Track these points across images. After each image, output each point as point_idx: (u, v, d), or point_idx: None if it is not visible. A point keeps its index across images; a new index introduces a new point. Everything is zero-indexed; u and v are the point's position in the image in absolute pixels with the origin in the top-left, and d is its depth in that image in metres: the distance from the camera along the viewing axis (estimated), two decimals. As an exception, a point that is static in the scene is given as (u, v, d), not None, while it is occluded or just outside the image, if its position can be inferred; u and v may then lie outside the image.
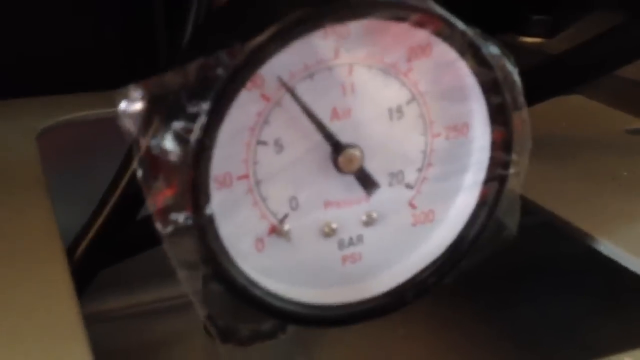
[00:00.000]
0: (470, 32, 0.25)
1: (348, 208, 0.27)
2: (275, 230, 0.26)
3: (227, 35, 0.24)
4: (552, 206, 0.38)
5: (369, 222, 0.28)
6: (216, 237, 0.25)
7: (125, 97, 0.23)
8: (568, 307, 0.46)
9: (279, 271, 0.27)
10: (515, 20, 0.60)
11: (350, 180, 0.27)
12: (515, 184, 0.28)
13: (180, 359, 0.47)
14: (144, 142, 0.23)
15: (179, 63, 0.23)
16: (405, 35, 0.25)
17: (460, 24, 0.25)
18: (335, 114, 0.25)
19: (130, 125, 0.23)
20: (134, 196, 0.38)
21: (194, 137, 0.23)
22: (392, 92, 0.26)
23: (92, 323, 0.28)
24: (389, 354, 0.46)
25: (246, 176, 0.25)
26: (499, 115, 0.27)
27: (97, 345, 0.27)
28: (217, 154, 0.24)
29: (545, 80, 0.43)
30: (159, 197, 0.24)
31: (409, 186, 0.28)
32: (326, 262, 0.27)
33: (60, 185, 0.45)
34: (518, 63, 0.27)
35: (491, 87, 0.26)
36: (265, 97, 0.24)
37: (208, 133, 0.23)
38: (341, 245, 0.27)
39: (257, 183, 0.25)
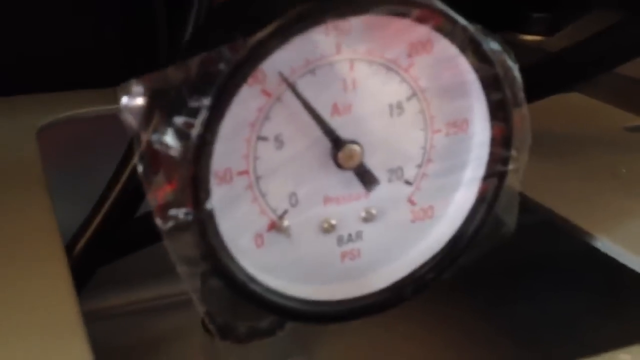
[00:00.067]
0: (471, 27, 0.25)
1: (347, 204, 0.27)
2: (275, 226, 0.26)
3: (229, 31, 0.24)
4: (551, 204, 0.38)
5: (368, 218, 0.28)
6: (216, 232, 0.25)
7: (127, 91, 0.23)
8: (567, 304, 0.46)
9: (279, 267, 0.27)
10: (515, 18, 0.60)
11: (350, 176, 0.27)
12: (514, 180, 0.28)
13: (179, 356, 0.47)
14: (145, 137, 0.23)
15: (181, 59, 0.23)
16: (406, 30, 0.25)
17: (461, 20, 0.25)
18: (335, 110, 0.25)
19: (131, 120, 0.23)
20: (134, 193, 0.38)
21: (195, 132, 0.23)
22: (393, 88, 0.26)
23: (91, 320, 0.28)
24: (387, 351, 0.46)
25: (246, 172, 0.25)
26: (498, 111, 0.27)
27: (96, 342, 0.27)
28: (217, 150, 0.24)
29: (543, 77, 0.43)
30: (159, 192, 0.24)
31: (408, 182, 0.28)
32: (325, 258, 0.27)
33: (59, 182, 0.45)
34: (518, 61, 0.27)
35: (491, 83, 0.26)
36: (266, 93, 0.24)
37: (209, 128, 0.23)
38: (340, 241, 0.28)
39: (257, 179, 0.25)
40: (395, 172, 0.27)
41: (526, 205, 0.32)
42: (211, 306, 0.27)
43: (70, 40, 0.54)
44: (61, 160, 0.48)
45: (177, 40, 0.35)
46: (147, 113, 0.23)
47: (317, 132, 0.25)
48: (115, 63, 0.56)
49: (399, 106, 0.26)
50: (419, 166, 0.28)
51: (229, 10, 0.27)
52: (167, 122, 0.23)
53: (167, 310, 0.51)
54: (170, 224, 0.24)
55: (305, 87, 0.25)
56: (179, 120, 0.23)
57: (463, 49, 0.26)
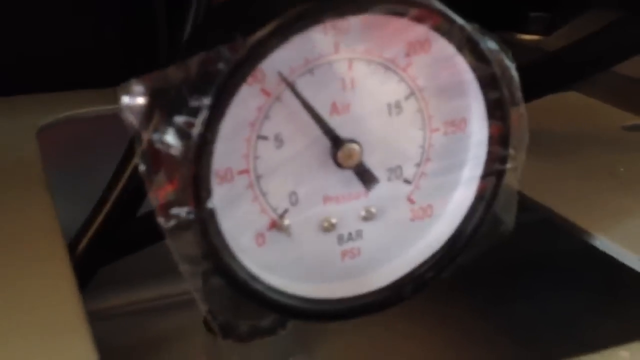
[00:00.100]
0: (468, 27, 0.25)
1: (347, 203, 0.27)
2: (276, 225, 0.26)
3: (228, 31, 0.24)
4: (550, 203, 0.39)
5: (368, 217, 0.28)
6: (217, 231, 0.25)
7: (128, 91, 0.23)
8: (566, 303, 0.47)
9: (280, 266, 0.27)
10: (513, 17, 0.60)
11: (350, 175, 0.27)
12: (512, 179, 0.29)
13: (180, 356, 0.47)
14: (145, 136, 0.23)
15: (180, 58, 0.23)
16: (404, 30, 0.25)
17: (458, 19, 0.25)
18: (334, 109, 0.26)
19: (132, 120, 0.23)
20: (134, 192, 0.38)
21: (195, 131, 0.23)
22: (391, 87, 0.26)
23: (93, 321, 0.28)
24: (387, 351, 0.46)
25: (247, 171, 0.25)
26: (496, 110, 0.27)
27: (97, 343, 0.27)
28: (218, 149, 0.24)
29: (540, 77, 0.43)
30: (160, 191, 0.24)
31: (407, 181, 0.28)
32: (326, 257, 0.28)
33: (59, 182, 0.45)
34: (515, 60, 0.27)
35: (489, 82, 0.26)
36: (265, 92, 0.24)
37: (210, 127, 0.23)
38: (340, 240, 0.28)
39: (258, 178, 0.25)
40: (395, 171, 0.27)
41: (525, 204, 0.32)
42: (213, 305, 0.27)
43: (70, 40, 0.54)
44: (61, 160, 0.49)
45: (177, 40, 0.35)
46: (147, 112, 0.23)
47: (316, 131, 0.25)
48: (115, 63, 0.56)
49: (398, 105, 0.27)
50: (418, 165, 0.28)
51: (228, 9, 0.27)
52: (168, 121, 0.23)
53: (169, 311, 0.52)
54: (172, 223, 0.24)
55: (304, 86, 0.25)
56: (179, 119, 0.23)
57: (460, 49, 0.26)
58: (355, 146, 0.26)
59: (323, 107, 0.25)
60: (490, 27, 0.26)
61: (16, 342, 0.27)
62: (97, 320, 0.29)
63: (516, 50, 0.27)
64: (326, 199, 0.27)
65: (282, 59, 0.24)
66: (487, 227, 0.29)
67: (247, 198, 0.26)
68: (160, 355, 0.48)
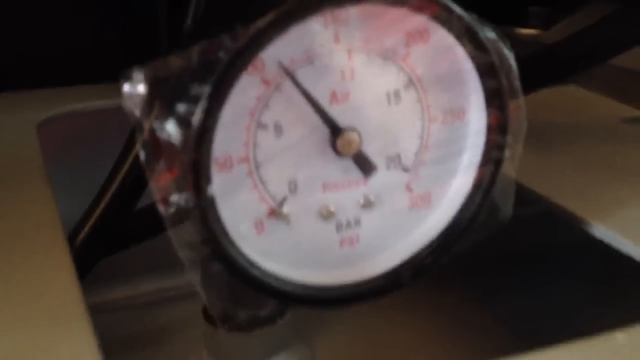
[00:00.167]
0: (467, 16, 0.26)
1: (346, 191, 0.27)
2: (275, 213, 0.27)
3: (229, 20, 0.24)
4: (549, 194, 0.39)
5: (367, 205, 0.28)
6: (217, 218, 0.25)
7: (129, 80, 0.23)
8: (566, 294, 0.47)
9: (279, 253, 0.27)
10: (512, 12, 0.61)
11: (349, 163, 0.27)
12: (510, 167, 0.29)
13: (179, 348, 0.47)
14: (146, 125, 0.23)
15: (181, 47, 0.23)
16: (403, 20, 0.25)
17: (457, 9, 0.25)
18: (334, 98, 0.26)
19: (133, 108, 0.23)
20: (134, 184, 0.38)
21: (195, 119, 0.23)
22: (390, 77, 0.26)
23: (93, 314, 0.28)
24: (385, 340, 0.46)
25: (246, 159, 0.25)
26: (494, 99, 0.27)
27: (98, 335, 0.27)
28: (218, 137, 0.24)
29: (536, 70, 0.43)
30: (161, 179, 0.24)
31: (405, 169, 0.28)
32: (324, 244, 0.28)
33: (59, 176, 0.45)
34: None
35: (487, 71, 0.27)
36: (265, 81, 0.25)
37: (210, 115, 0.23)
38: (339, 227, 0.28)
39: (257, 166, 0.26)
40: (393, 160, 0.28)
41: (524, 195, 0.32)
42: (213, 293, 0.27)
43: (70, 40, 0.55)
44: (61, 154, 0.49)
45: (177, 29, 0.35)
46: (148, 101, 0.23)
47: (315, 120, 0.26)
48: (116, 63, 0.56)
49: (397, 95, 0.27)
50: (417, 153, 0.28)
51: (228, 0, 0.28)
52: (169, 109, 0.23)
53: (168, 303, 0.52)
54: (172, 210, 0.24)
55: (304, 75, 0.25)
56: (180, 107, 0.23)
57: (459, 38, 0.26)
58: (354, 134, 0.26)
59: (323, 97, 0.26)
60: (489, 21, 0.26)
61: (17, 334, 0.27)
62: (97, 313, 0.29)
63: (514, 44, 0.27)
64: (325, 187, 0.27)
65: (282, 48, 0.24)
66: (485, 216, 0.29)
67: (246, 186, 0.26)
68: (160, 347, 0.48)
